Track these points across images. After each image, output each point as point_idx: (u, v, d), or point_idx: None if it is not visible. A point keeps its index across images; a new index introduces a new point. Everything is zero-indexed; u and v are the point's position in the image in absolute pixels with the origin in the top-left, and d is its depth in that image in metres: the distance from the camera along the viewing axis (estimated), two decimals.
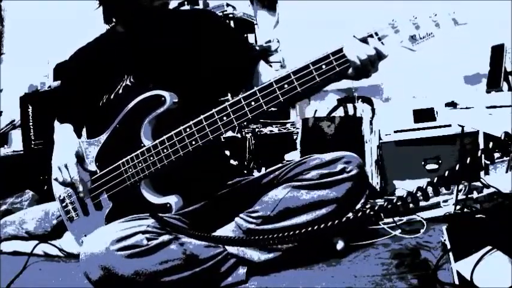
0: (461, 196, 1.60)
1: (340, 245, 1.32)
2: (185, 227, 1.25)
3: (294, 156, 2.63)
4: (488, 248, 0.98)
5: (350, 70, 1.11)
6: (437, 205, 1.61)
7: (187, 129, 1.19)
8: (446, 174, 0.80)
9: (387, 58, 1.10)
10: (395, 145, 2.16)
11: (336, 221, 0.89)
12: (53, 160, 1.37)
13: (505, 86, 2.14)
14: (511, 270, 0.91)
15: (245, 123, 2.44)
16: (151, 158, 1.23)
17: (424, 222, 1.47)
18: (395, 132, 2.22)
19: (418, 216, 1.53)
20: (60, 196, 1.41)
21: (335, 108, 2.60)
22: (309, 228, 0.93)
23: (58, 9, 3.52)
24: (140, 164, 1.25)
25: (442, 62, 2.67)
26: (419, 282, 1.05)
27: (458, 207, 1.52)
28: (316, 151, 1.38)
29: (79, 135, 1.45)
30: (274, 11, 3.55)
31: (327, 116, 2.55)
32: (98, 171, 1.32)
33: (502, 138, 0.76)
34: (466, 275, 0.95)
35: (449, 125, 2.13)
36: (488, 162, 0.77)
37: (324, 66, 1.09)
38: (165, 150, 1.21)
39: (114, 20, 1.41)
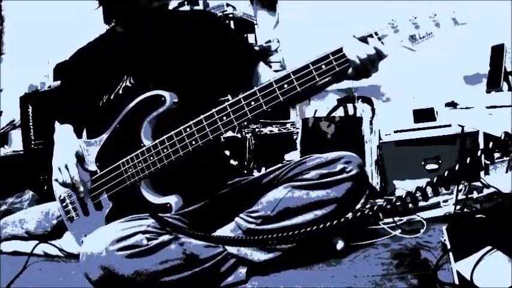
0: (461, 196, 1.60)
1: (340, 245, 1.32)
2: (185, 227, 1.25)
3: (294, 156, 2.63)
4: (488, 248, 0.98)
5: (350, 70, 1.11)
6: (437, 205, 1.61)
7: (187, 129, 1.19)
8: (445, 174, 0.80)
9: (387, 58, 1.10)
10: (395, 145, 2.16)
11: (336, 221, 0.89)
12: (53, 161, 1.37)
13: (505, 86, 2.14)
14: (511, 270, 0.91)
15: (245, 123, 2.44)
16: (151, 158, 1.23)
17: (424, 222, 1.47)
18: (395, 132, 2.22)
19: (418, 216, 1.53)
20: (60, 196, 1.41)
21: (335, 108, 2.60)
22: (309, 229, 0.93)
23: (58, 9, 3.52)
24: (140, 164, 1.25)
25: (442, 62, 2.67)
26: (419, 282, 1.05)
27: (458, 207, 1.51)
28: (316, 151, 1.38)
29: (79, 136, 1.45)
30: (274, 11, 3.55)
31: (327, 116, 2.55)
32: (98, 171, 1.32)
33: (502, 138, 0.76)
34: (466, 275, 0.95)
35: (449, 125, 2.13)
36: (488, 162, 0.77)
37: (323, 66, 1.09)
38: (165, 150, 1.21)
39: (114, 20, 1.41)
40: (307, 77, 1.10)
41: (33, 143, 2.67)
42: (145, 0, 1.27)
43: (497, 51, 2.25)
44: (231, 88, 1.53)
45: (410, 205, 0.85)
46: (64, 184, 1.31)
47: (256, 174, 1.91)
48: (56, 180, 1.33)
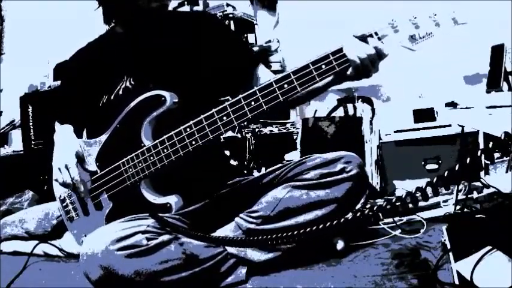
0: (461, 196, 1.60)
1: (340, 245, 1.32)
2: (185, 227, 1.25)
3: (294, 156, 2.63)
4: (488, 248, 0.98)
5: (350, 70, 1.11)
6: (437, 205, 1.61)
7: (188, 129, 1.19)
8: (445, 175, 0.80)
9: (387, 58, 1.10)
10: (395, 145, 2.16)
11: (335, 222, 0.89)
12: (53, 161, 1.37)
13: (505, 86, 2.14)
14: (511, 270, 0.91)
15: (245, 123, 2.45)
16: (152, 158, 1.23)
17: (424, 222, 1.47)
18: (395, 132, 2.22)
19: (418, 216, 1.53)
20: (60, 196, 1.42)
21: (335, 108, 2.61)
22: (308, 229, 0.93)
23: (58, 9, 3.52)
24: (140, 164, 1.25)
25: (442, 61, 2.67)
26: (419, 282, 1.05)
27: (458, 207, 1.52)
28: (316, 151, 1.38)
29: (79, 136, 1.45)
30: (274, 11, 3.55)
31: (327, 116, 2.55)
32: (98, 171, 1.32)
33: (502, 138, 0.76)
34: (466, 275, 0.95)
35: (449, 125, 2.13)
36: (488, 162, 0.77)
37: (323, 66, 1.09)
38: (165, 150, 1.21)
39: (113, 20, 1.41)
40: (307, 77, 1.10)
41: (33, 143, 2.67)
42: (144, 0, 1.27)
43: (497, 51, 2.25)
44: (231, 89, 1.53)
45: (410, 205, 0.85)
46: (64, 184, 1.31)
47: (256, 174, 1.91)
48: (56, 180, 1.33)
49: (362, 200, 1.32)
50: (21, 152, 2.79)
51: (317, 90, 1.26)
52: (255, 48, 3.29)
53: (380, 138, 2.21)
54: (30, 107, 2.70)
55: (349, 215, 0.88)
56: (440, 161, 2.09)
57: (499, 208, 1.54)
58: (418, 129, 2.19)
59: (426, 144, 2.12)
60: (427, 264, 1.15)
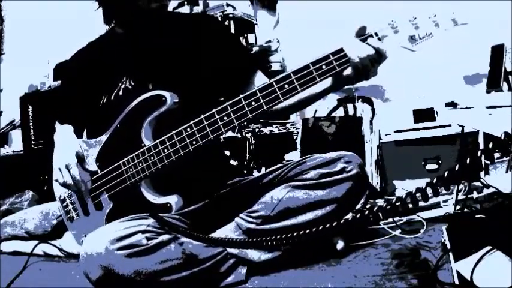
0: (461, 196, 1.60)
1: (340, 245, 1.32)
2: (185, 227, 1.25)
3: (294, 156, 2.63)
4: (488, 248, 0.98)
5: (350, 71, 1.11)
6: (437, 205, 1.61)
7: (188, 129, 1.19)
8: (445, 175, 0.80)
9: (388, 58, 1.10)
10: (395, 145, 2.16)
11: (335, 223, 0.89)
12: (53, 161, 1.37)
13: (505, 86, 2.14)
14: (511, 270, 0.91)
15: (245, 123, 2.44)
16: (152, 158, 1.23)
17: (424, 222, 1.47)
18: (395, 132, 2.22)
19: (418, 216, 1.53)
20: (60, 196, 1.42)
21: (335, 108, 2.61)
22: (308, 230, 0.93)
23: (58, 9, 3.52)
24: (141, 164, 1.25)
25: (442, 62, 2.66)
26: (419, 282, 1.05)
27: (458, 207, 1.52)
28: (316, 151, 1.38)
29: (80, 136, 1.45)
30: (274, 11, 3.56)
31: (327, 116, 2.55)
32: (99, 171, 1.32)
33: (502, 138, 0.76)
34: (466, 275, 0.95)
35: (449, 125, 2.13)
36: (488, 162, 0.78)
37: (324, 66, 1.09)
38: (165, 150, 1.21)
39: (113, 20, 1.41)
40: (308, 77, 1.10)
41: (33, 143, 2.67)
42: (144, 0, 1.27)
43: (497, 51, 2.25)
44: (230, 90, 1.53)
45: (410, 205, 0.85)
46: (64, 185, 1.31)
47: (256, 174, 1.91)
48: (57, 180, 1.33)
49: (362, 200, 1.32)
50: (21, 152, 2.80)
51: (313, 97, 1.26)
52: (255, 48, 3.29)
53: (380, 138, 2.21)
54: (30, 107, 2.70)
55: (349, 216, 0.88)
56: (440, 161, 2.09)
57: (499, 208, 1.54)
58: (418, 129, 2.19)
59: (426, 144, 2.12)
60: (427, 264, 1.16)
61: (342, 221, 0.89)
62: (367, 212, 0.87)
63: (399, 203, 0.85)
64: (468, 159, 0.78)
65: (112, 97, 1.37)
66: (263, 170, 2.64)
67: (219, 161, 1.50)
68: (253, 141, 2.93)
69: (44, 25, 3.51)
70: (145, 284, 1.10)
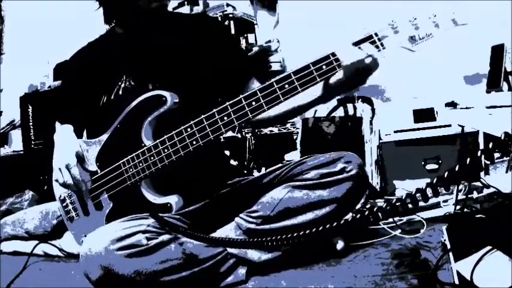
0: (461, 196, 1.60)
1: (340, 245, 1.32)
2: (185, 227, 1.25)
3: (294, 156, 2.63)
4: (488, 248, 0.98)
5: (341, 75, 1.11)
6: (437, 205, 1.61)
7: (188, 129, 1.19)
8: (445, 175, 0.80)
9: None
10: (395, 145, 2.16)
11: (335, 223, 0.89)
12: (53, 161, 1.37)
13: (505, 86, 2.14)
14: (511, 270, 0.91)
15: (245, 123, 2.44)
16: (152, 158, 1.23)
17: (424, 222, 1.47)
18: (395, 132, 2.22)
19: (418, 216, 1.53)
20: (60, 196, 1.42)
21: (335, 108, 2.61)
22: (308, 231, 0.93)
23: (58, 9, 3.52)
24: (141, 164, 1.25)
25: (442, 62, 2.66)
26: (419, 282, 1.05)
27: (458, 207, 1.52)
28: (316, 151, 1.38)
29: (80, 136, 1.45)
30: (274, 11, 3.55)
31: (327, 116, 2.55)
32: (99, 171, 1.32)
33: (502, 138, 0.76)
34: (466, 275, 0.95)
35: (449, 125, 2.13)
36: (488, 162, 0.78)
37: (324, 67, 1.09)
38: (165, 150, 1.21)
39: (114, 20, 1.41)
40: (308, 77, 1.10)
41: (33, 143, 2.67)
42: (144, 0, 1.27)
43: (497, 51, 2.25)
44: (229, 92, 1.53)
45: (410, 206, 0.85)
46: (64, 185, 1.31)
47: (256, 174, 1.91)
48: (57, 180, 1.33)
49: (362, 200, 1.32)
50: (21, 152, 2.79)
51: (302, 107, 1.26)
52: (255, 48, 3.29)
53: (380, 138, 2.21)
54: (30, 107, 2.70)
55: (349, 216, 0.88)
56: (440, 161, 2.09)
57: (499, 208, 1.54)
58: (418, 129, 2.19)
59: (426, 144, 2.12)
60: (427, 264, 1.16)
61: (342, 221, 0.89)
62: (367, 212, 0.87)
63: (399, 203, 0.85)
64: (468, 159, 0.78)
65: (112, 97, 1.37)
66: (263, 170, 2.65)
67: (219, 161, 1.50)
68: (253, 141, 2.93)
69: (44, 25, 3.51)
70: (145, 284, 1.10)
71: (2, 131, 3.27)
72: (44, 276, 1.53)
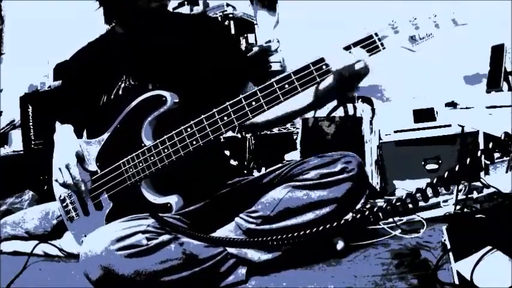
0: (461, 196, 1.60)
1: (340, 245, 1.32)
2: (185, 227, 1.25)
3: (294, 156, 2.63)
4: (488, 248, 0.98)
5: (331, 81, 1.11)
6: (437, 205, 1.61)
7: (188, 129, 1.19)
8: (445, 175, 0.80)
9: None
10: (395, 145, 2.16)
11: (335, 223, 0.89)
12: (53, 161, 1.37)
13: (505, 86, 2.14)
14: (511, 270, 0.91)
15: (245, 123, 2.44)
16: (152, 158, 1.23)
17: (424, 222, 1.47)
18: (395, 132, 2.22)
19: (418, 216, 1.53)
20: (60, 196, 1.42)
21: (335, 108, 2.60)
22: (308, 231, 0.93)
23: (58, 9, 3.52)
24: (141, 164, 1.25)
25: (442, 62, 2.66)
26: (419, 282, 1.05)
27: (458, 207, 1.52)
28: (316, 151, 1.38)
29: (80, 136, 1.45)
30: (274, 11, 3.55)
31: (327, 116, 2.55)
32: (99, 171, 1.32)
33: (502, 138, 0.76)
34: (466, 275, 0.95)
35: (449, 125, 2.13)
36: (488, 162, 0.78)
37: (324, 67, 1.09)
38: (165, 150, 1.21)
39: (114, 20, 1.41)
40: (308, 77, 1.10)
41: (33, 143, 2.67)
42: (144, 0, 1.27)
43: (497, 51, 2.25)
44: (229, 92, 1.53)
45: (410, 205, 0.85)
46: (64, 185, 1.31)
47: (256, 174, 1.91)
48: (57, 180, 1.33)
49: (362, 200, 1.32)
50: (21, 152, 2.79)
51: (293, 114, 1.28)
52: (255, 48, 3.29)
53: (380, 138, 2.21)
54: (30, 107, 2.70)
55: (349, 216, 0.88)
56: (440, 161, 2.09)
57: (499, 208, 1.54)
58: (418, 129, 2.19)
59: (426, 144, 2.12)
60: (427, 264, 1.16)
61: (342, 221, 0.89)
62: (367, 212, 0.87)
63: (399, 203, 0.85)
64: (468, 159, 0.78)
65: (112, 97, 1.37)
66: (263, 170, 2.65)
67: (219, 161, 1.50)
68: (253, 141, 2.93)
69: (44, 25, 3.51)
70: (145, 284, 1.10)
71: (2, 131, 3.27)
72: (44, 276, 1.52)
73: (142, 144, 1.25)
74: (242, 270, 1.23)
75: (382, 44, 1.07)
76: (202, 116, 1.17)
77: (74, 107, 1.47)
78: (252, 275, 1.24)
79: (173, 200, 1.23)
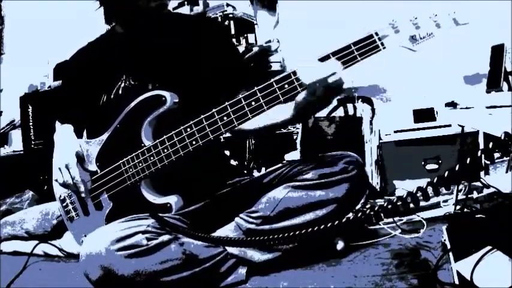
0: (461, 196, 1.60)
1: (340, 245, 1.32)
2: (185, 227, 1.25)
3: (294, 156, 2.62)
4: (488, 248, 0.98)
5: (303, 95, 1.10)
6: (437, 205, 1.61)
7: (188, 129, 1.19)
8: (446, 175, 0.80)
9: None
10: (395, 145, 2.16)
11: (336, 222, 0.89)
12: (53, 161, 1.37)
13: (505, 86, 2.14)
14: (511, 270, 0.91)
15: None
16: (152, 158, 1.23)
17: (424, 222, 1.47)
18: (395, 132, 2.22)
19: (418, 216, 1.53)
20: (60, 196, 1.41)
21: (335, 108, 2.60)
22: (309, 230, 0.93)
23: (58, 9, 3.52)
24: (140, 164, 1.25)
25: (442, 62, 2.66)
26: (419, 282, 1.05)
27: (458, 207, 1.52)
28: (316, 151, 1.38)
29: (80, 136, 1.45)
30: (274, 11, 3.55)
31: (327, 116, 2.55)
32: (99, 171, 1.32)
33: (502, 138, 0.76)
34: (466, 275, 0.95)
35: (449, 125, 2.13)
36: (488, 162, 0.78)
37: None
38: (165, 150, 1.21)
39: (114, 20, 1.41)
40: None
41: (33, 143, 2.67)
42: (144, 0, 1.27)
43: (497, 51, 2.25)
44: (228, 92, 1.53)
45: (411, 205, 0.85)
46: (64, 185, 1.31)
47: (256, 174, 1.91)
48: (57, 180, 1.33)
49: (362, 200, 1.32)
50: (21, 152, 2.79)
51: (275, 125, 1.28)
52: (255, 48, 3.29)
53: (380, 138, 2.21)
54: (30, 107, 2.70)
55: (350, 216, 0.88)
56: (440, 161, 2.09)
57: (499, 208, 1.54)
58: (418, 129, 2.19)
59: (426, 144, 2.12)
60: (427, 264, 1.16)
61: (342, 221, 0.89)
62: (367, 212, 0.87)
63: (400, 203, 0.85)
64: (468, 159, 0.78)
65: (112, 96, 1.37)
66: (263, 170, 2.64)
67: (219, 161, 1.50)
68: (253, 141, 2.93)
69: (44, 25, 3.51)
70: (145, 284, 1.10)
71: (2, 131, 3.27)
72: (44, 276, 1.53)
73: (142, 144, 1.25)
74: (242, 270, 1.23)
75: (382, 44, 1.07)
76: (202, 116, 1.17)
77: (74, 107, 1.47)
78: (252, 275, 1.24)
79: (173, 200, 1.23)
